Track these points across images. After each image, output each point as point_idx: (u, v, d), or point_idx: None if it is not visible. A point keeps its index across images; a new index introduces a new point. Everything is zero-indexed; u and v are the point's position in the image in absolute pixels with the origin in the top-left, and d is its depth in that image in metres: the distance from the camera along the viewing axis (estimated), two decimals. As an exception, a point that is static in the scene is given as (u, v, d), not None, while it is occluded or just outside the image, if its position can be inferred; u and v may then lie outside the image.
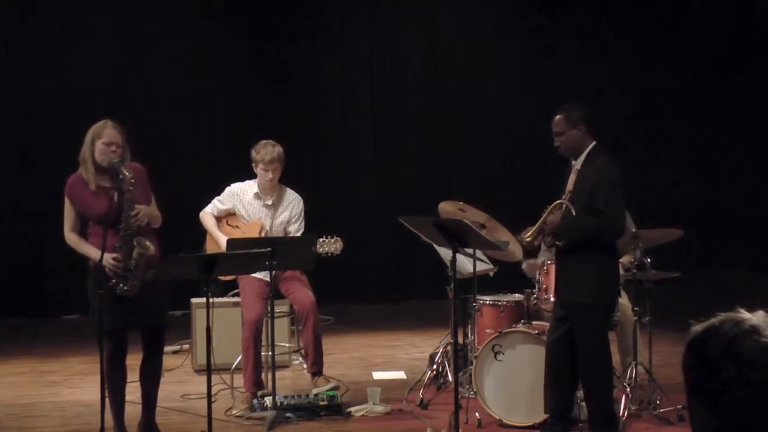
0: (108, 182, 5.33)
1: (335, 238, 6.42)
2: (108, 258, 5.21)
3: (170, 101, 10.52)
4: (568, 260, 5.30)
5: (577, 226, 5.21)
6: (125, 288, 5.23)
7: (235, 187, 6.78)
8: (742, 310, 1.57)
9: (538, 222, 5.26)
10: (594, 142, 5.34)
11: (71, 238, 5.39)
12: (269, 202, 6.68)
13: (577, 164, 5.36)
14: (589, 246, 5.20)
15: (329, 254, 6.42)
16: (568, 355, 5.31)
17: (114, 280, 5.22)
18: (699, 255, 11.40)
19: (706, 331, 1.57)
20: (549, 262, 5.87)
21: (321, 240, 6.43)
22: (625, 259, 6.40)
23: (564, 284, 5.34)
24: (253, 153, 6.58)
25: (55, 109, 10.32)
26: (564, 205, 5.27)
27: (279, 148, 6.57)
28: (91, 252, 5.27)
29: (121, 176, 5.23)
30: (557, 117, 5.37)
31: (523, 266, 6.55)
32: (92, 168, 5.32)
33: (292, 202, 6.72)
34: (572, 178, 5.38)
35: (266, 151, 6.52)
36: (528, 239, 5.29)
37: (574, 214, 5.19)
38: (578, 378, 5.39)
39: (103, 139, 5.31)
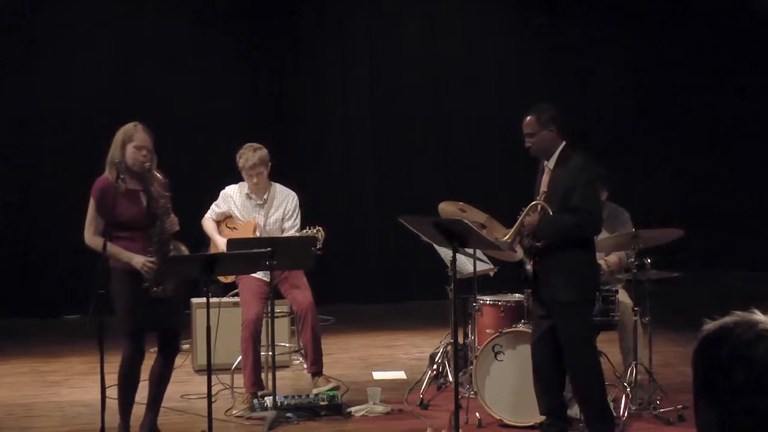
0: (138, 185, 5.32)
1: (317, 228, 6.37)
2: (144, 261, 5.21)
3: (169, 101, 10.50)
4: (547, 260, 5.28)
5: (557, 225, 5.20)
6: (159, 290, 5.24)
7: (228, 190, 6.80)
8: (756, 311, 1.54)
9: (516, 224, 5.25)
10: (564, 142, 5.34)
11: (95, 242, 5.25)
12: (260, 202, 6.68)
13: (549, 164, 5.35)
14: (567, 244, 5.20)
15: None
16: (552, 354, 5.30)
17: (148, 283, 5.22)
18: (699, 255, 11.38)
19: (719, 332, 1.54)
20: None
21: (303, 231, 6.42)
22: (616, 256, 6.38)
23: (545, 284, 5.31)
24: (237, 158, 6.58)
25: (54, 110, 10.31)
26: (540, 206, 5.26)
27: (261, 151, 6.53)
28: (122, 254, 5.22)
29: (153, 185, 5.29)
30: (528, 118, 5.37)
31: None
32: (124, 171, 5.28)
33: (285, 199, 6.70)
34: (545, 178, 5.37)
35: (247, 157, 6.51)
36: (507, 242, 5.27)
37: (551, 213, 5.19)
38: (565, 375, 5.39)
39: (134, 143, 5.28)
